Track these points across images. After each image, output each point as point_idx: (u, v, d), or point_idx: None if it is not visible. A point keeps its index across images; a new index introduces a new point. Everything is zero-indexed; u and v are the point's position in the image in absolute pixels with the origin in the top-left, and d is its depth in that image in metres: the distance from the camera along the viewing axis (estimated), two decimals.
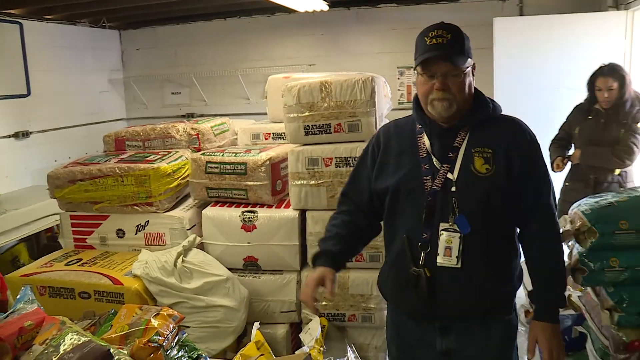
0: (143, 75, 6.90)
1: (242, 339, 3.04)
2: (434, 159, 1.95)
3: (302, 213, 3.13)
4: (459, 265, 1.90)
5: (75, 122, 6.03)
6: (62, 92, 5.88)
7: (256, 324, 2.79)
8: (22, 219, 4.26)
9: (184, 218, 3.22)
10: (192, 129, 3.66)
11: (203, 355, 2.40)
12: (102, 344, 1.87)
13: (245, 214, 3.13)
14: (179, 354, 2.28)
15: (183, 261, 2.93)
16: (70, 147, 5.60)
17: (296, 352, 2.67)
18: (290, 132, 3.10)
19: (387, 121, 3.77)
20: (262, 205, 3.19)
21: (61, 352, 1.76)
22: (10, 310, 1.95)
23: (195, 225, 3.28)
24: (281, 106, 3.19)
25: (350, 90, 3.02)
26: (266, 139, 3.82)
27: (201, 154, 3.30)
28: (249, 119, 4.63)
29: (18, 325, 1.81)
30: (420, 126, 2.02)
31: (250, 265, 3.18)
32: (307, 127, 3.05)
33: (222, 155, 3.25)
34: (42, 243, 4.87)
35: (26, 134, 5.30)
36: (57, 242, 4.59)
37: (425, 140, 1.99)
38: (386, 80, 3.61)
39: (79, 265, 3.09)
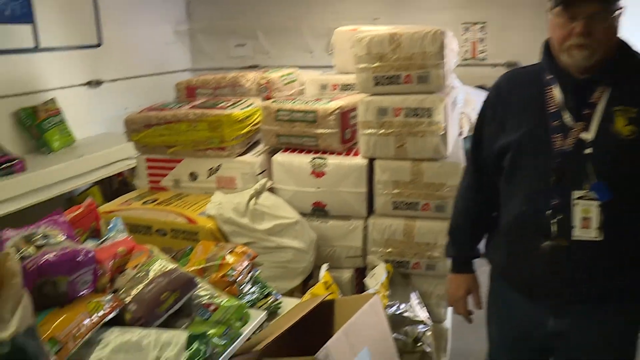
0: (208, 27, 6.99)
1: (308, 281, 3.15)
2: (566, 115, 1.75)
3: (371, 161, 3.18)
4: (600, 238, 1.69)
5: (144, 72, 6.17)
6: (130, 42, 6.01)
7: (324, 266, 2.89)
8: (97, 162, 4.45)
9: (254, 163, 3.32)
10: (262, 78, 3.73)
11: (273, 292, 2.51)
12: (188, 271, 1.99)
13: (315, 160, 3.20)
14: (252, 289, 2.38)
15: (255, 203, 3.03)
16: (139, 96, 5.74)
17: (363, 293, 2.75)
18: (360, 82, 3.13)
19: (455, 75, 3.79)
20: (331, 153, 3.25)
21: (151, 276, 1.88)
22: (104, 238, 2.09)
23: (265, 170, 3.37)
24: (348, 58, 3.22)
25: (419, 42, 3.01)
26: (334, 89, 3.86)
27: (272, 102, 3.37)
28: (313, 72, 4.68)
29: (112, 251, 1.94)
30: (550, 76, 1.80)
31: (318, 211, 3.26)
32: (377, 78, 3.07)
33: (293, 103, 3.31)
34: (114, 187, 5.08)
35: (98, 83, 5.47)
36: (128, 186, 4.79)
37: (556, 93, 1.78)
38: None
39: (155, 204, 3.24)
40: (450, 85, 3.41)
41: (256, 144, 3.53)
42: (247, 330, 2.02)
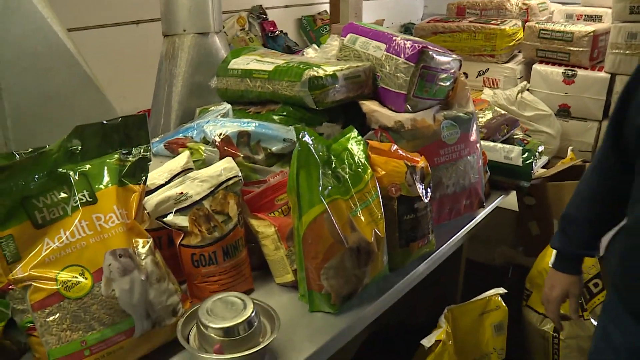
0: None
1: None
2: None
3: (612, 76, 4.03)
4: None
5: None
6: None
7: (570, 147, 3.84)
8: None
9: (516, 70, 4.29)
10: (524, 3, 4.64)
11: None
12: None
13: (567, 71, 4.11)
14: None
15: (521, 97, 4.02)
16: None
17: None
18: (617, 10, 3.93)
19: None
20: (579, 67, 4.14)
21: (491, 115, 2.94)
22: None
23: (522, 76, 4.33)
24: None
25: None
26: (578, 19, 4.68)
27: (536, 23, 4.29)
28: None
29: None
30: None
31: (563, 111, 4.19)
32: (633, 7, 3.87)
33: (553, 25, 4.22)
34: None
35: None
36: None
37: None
38: None
39: None
40: None
41: (514, 56, 4.48)
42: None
